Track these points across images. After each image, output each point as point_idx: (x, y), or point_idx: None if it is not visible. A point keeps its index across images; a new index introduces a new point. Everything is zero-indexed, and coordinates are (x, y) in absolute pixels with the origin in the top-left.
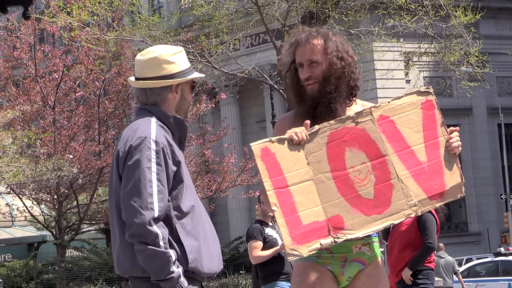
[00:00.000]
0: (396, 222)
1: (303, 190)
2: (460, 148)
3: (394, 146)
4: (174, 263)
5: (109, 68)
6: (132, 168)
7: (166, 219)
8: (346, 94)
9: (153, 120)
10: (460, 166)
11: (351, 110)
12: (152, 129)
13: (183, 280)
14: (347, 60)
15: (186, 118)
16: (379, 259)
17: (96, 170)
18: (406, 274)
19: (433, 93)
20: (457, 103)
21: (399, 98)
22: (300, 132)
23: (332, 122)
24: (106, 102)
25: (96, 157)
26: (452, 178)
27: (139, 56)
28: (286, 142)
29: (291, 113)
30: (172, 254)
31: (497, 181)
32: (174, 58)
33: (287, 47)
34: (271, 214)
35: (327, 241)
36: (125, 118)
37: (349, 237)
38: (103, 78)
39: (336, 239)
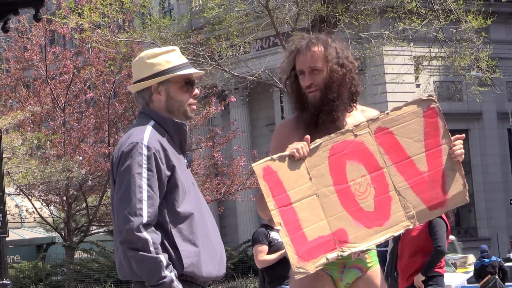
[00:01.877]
0: (395, 234)
1: (306, 205)
2: (463, 156)
3: (393, 157)
4: (166, 267)
5: (119, 70)
6: (123, 174)
7: (160, 224)
8: (348, 100)
9: (150, 124)
10: (463, 173)
11: (351, 116)
12: (145, 134)
13: (176, 284)
14: (347, 67)
15: (188, 116)
16: (377, 266)
17: (106, 172)
18: (418, 279)
19: (436, 100)
20: (467, 108)
21: (399, 108)
22: (301, 148)
23: (332, 135)
24: (116, 104)
25: (105, 159)
26: (455, 185)
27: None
28: (287, 158)
29: (291, 119)
30: (163, 258)
31: (507, 186)
32: (154, 59)
33: (287, 54)
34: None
35: (333, 255)
36: (134, 120)
37: (353, 250)
38: (113, 80)
39: (341, 253)
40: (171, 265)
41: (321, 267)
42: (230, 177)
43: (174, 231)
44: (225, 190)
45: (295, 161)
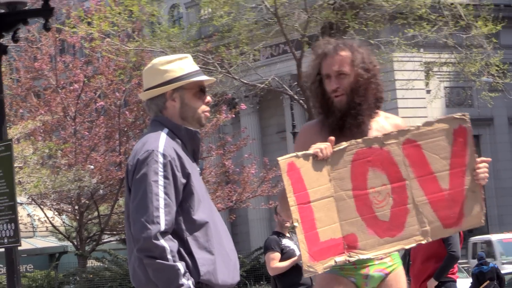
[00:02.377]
0: (406, 247)
1: (323, 206)
2: (486, 180)
3: (416, 171)
4: (184, 275)
5: (130, 79)
6: (139, 182)
7: (176, 232)
8: (373, 105)
9: (164, 132)
10: (483, 196)
11: (374, 122)
12: (160, 142)
13: None
14: (372, 71)
15: (201, 124)
16: (400, 267)
17: (117, 181)
18: (431, 284)
19: (468, 120)
20: (478, 113)
21: (430, 123)
22: (325, 148)
23: (359, 140)
24: (127, 112)
25: (116, 168)
26: (473, 207)
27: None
28: (310, 157)
29: (315, 122)
30: (181, 266)
31: None
32: (168, 66)
33: (313, 58)
34: (287, 224)
35: (341, 258)
36: (145, 129)
37: (361, 257)
38: (124, 88)
39: (349, 258)
40: (188, 273)
41: (329, 269)
42: (241, 185)
43: (190, 239)
44: (237, 198)
45: (318, 161)
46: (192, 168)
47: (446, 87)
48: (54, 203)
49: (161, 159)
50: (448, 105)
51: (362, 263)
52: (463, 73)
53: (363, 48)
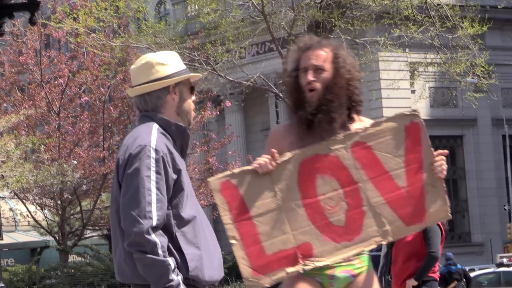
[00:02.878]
0: (366, 249)
1: (269, 220)
2: (444, 172)
3: (369, 172)
4: (173, 271)
5: (115, 75)
6: (131, 177)
7: (165, 228)
8: (346, 107)
9: (155, 127)
10: (445, 189)
11: (352, 125)
12: (152, 137)
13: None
14: (353, 74)
15: (190, 122)
16: (370, 270)
17: (100, 176)
18: (411, 284)
19: (419, 115)
20: (462, 113)
21: (379, 123)
22: (265, 163)
23: (305, 149)
24: (111, 108)
25: (100, 163)
26: (436, 202)
27: (133, 66)
28: (250, 173)
29: (281, 125)
30: (171, 262)
31: (501, 192)
32: (167, 60)
33: (295, 49)
34: None
35: (293, 269)
36: (129, 125)
37: (317, 264)
38: (108, 84)
39: (304, 267)
40: (177, 269)
41: (279, 280)
42: None
43: (178, 235)
44: None
45: (260, 175)
46: (182, 164)
47: (431, 87)
48: (37, 198)
49: (153, 154)
50: (433, 105)
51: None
52: (448, 74)
53: (347, 51)
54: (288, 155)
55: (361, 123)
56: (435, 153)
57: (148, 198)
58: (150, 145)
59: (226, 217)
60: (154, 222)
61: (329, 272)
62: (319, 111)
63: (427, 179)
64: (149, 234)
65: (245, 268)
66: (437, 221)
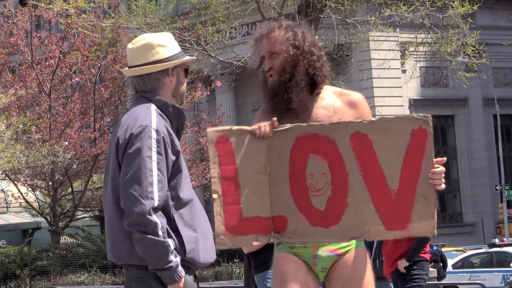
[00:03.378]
0: (338, 241)
1: (254, 184)
2: (442, 186)
3: (362, 166)
4: (172, 252)
5: (105, 55)
6: (132, 157)
7: (163, 209)
8: (305, 83)
9: (153, 108)
10: (436, 203)
11: (327, 99)
12: (152, 117)
13: (180, 269)
14: (302, 48)
15: (183, 103)
16: (358, 249)
17: (91, 157)
18: (402, 264)
19: (430, 122)
20: (453, 93)
21: (388, 120)
22: (264, 126)
23: (305, 125)
24: (102, 89)
25: (91, 144)
26: (424, 215)
27: (130, 45)
28: (248, 134)
29: (262, 108)
30: (171, 243)
31: (492, 172)
32: (166, 42)
33: (253, 42)
34: None
35: (264, 238)
36: (120, 105)
37: (286, 240)
38: (99, 65)
39: (273, 239)
40: (175, 251)
41: (247, 244)
42: None
43: (176, 216)
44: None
45: (255, 138)
46: (179, 145)
47: (422, 67)
48: (28, 179)
49: (154, 135)
50: (424, 85)
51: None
52: (439, 53)
53: (302, 27)
54: (287, 125)
55: (334, 94)
56: (438, 159)
57: (150, 178)
58: (151, 125)
59: (214, 171)
60: (156, 203)
61: (312, 251)
62: (276, 94)
63: (420, 189)
64: (151, 214)
65: (219, 225)
66: (420, 234)
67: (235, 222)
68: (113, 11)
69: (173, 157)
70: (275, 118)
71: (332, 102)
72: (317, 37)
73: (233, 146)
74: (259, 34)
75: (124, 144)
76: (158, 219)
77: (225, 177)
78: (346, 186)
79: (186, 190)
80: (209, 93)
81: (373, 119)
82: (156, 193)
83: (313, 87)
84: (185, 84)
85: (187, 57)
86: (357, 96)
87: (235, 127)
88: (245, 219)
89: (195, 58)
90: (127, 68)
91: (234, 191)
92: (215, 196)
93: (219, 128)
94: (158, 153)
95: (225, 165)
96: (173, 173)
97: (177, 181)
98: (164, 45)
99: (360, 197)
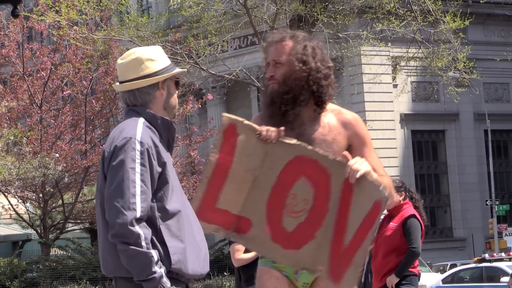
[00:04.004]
0: (289, 265)
1: (239, 180)
2: (357, 175)
3: (340, 210)
4: (156, 263)
5: (97, 67)
6: (116, 169)
7: (149, 220)
8: (304, 98)
9: (141, 120)
10: (359, 277)
11: (325, 117)
12: (138, 129)
13: (165, 280)
14: (309, 64)
15: (175, 115)
16: None
17: (82, 169)
18: (392, 280)
19: (385, 195)
20: (444, 108)
21: (368, 180)
22: (270, 131)
23: (310, 148)
24: (93, 101)
25: (82, 156)
26: (351, 279)
27: (120, 60)
28: (254, 132)
29: (262, 112)
30: (154, 254)
31: (483, 187)
32: (156, 56)
33: (264, 45)
34: None
35: (223, 232)
36: (111, 118)
37: (241, 243)
38: (91, 77)
39: (230, 236)
40: (160, 262)
41: (208, 232)
42: None
43: (162, 227)
44: None
45: (259, 139)
46: (167, 157)
47: (413, 81)
48: (19, 191)
49: (138, 146)
50: (415, 100)
51: None
52: (430, 68)
53: (315, 42)
54: (293, 141)
55: (332, 112)
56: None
57: (132, 189)
58: (135, 137)
59: (214, 155)
60: (138, 214)
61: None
62: (273, 103)
63: (357, 255)
64: (133, 225)
65: (195, 205)
66: None
67: (207, 209)
68: (105, 23)
69: (159, 169)
70: (283, 128)
71: (328, 120)
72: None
73: (238, 139)
74: (270, 40)
75: (108, 156)
76: (141, 230)
77: (220, 165)
78: (321, 221)
79: (174, 201)
80: (200, 106)
81: (364, 176)
82: (138, 204)
83: (317, 105)
84: (176, 96)
85: (177, 70)
86: (351, 116)
87: (246, 121)
88: (216, 209)
89: (185, 70)
90: (118, 83)
91: (220, 181)
92: (204, 179)
93: (233, 116)
94: (142, 164)
95: (224, 153)
96: (160, 185)
97: (163, 193)
98: (154, 59)
99: (326, 236)
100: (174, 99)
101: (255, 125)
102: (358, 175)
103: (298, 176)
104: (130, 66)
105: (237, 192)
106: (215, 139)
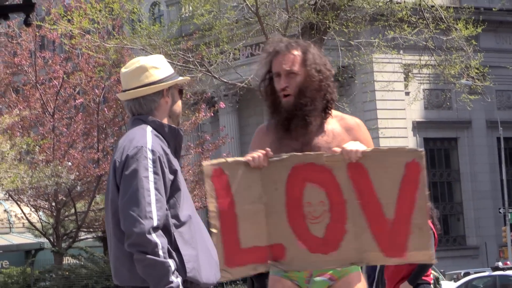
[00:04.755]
0: (339, 268)
1: (251, 215)
2: (356, 154)
3: (360, 195)
4: (173, 273)
5: (109, 76)
6: (129, 178)
7: (164, 228)
8: (322, 107)
9: (148, 129)
10: (430, 233)
11: (328, 124)
12: (148, 138)
13: None
14: (324, 73)
15: (179, 123)
16: (353, 273)
17: (95, 178)
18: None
19: (423, 156)
20: (456, 116)
21: (382, 150)
22: (258, 157)
23: (300, 155)
24: (105, 109)
25: (94, 165)
26: (419, 244)
27: (124, 69)
28: (242, 165)
29: (265, 125)
30: (171, 263)
31: (496, 194)
32: (159, 63)
33: (264, 55)
34: None
35: (262, 267)
36: (124, 126)
37: (285, 268)
38: (103, 85)
39: (272, 266)
40: (176, 271)
41: (247, 274)
42: None
43: (176, 235)
44: None
45: (251, 169)
46: (177, 165)
47: (426, 89)
48: (31, 199)
49: (150, 155)
50: (427, 107)
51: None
52: (443, 76)
53: (316, 49)
54: (283, 155)
55: (335, 119)
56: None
57: (147, 198)
58: (147, 146)
59: (212, 205)
60: (155, 222)
61: (305, 275)
62: (294, 116)
63: (415, 220)
64: (150, 234)
65: (220, 257)
66: (419, 261)
67: (234, 254)
68: (117, 32)
69: (170, 176)
70: (268, 149)
71: (332, 127)
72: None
73: (229, 179)
74: (274, 49)
75: (120, 166)
76: (158, 239)
77: (223, 210)
78: (344, 213)
79: (185, 209)
80: (212, 114)
81: (368, 149)
82: (154, 212)
83: (324, 111)
84: (180, 104)
85: (181, 78)
86: (353, 121)
87: (230, 159)
88: (243, 250)
89: (189, 78)
90: (122, 92)
91: (232, 223)
92: (214, 230)
93: (214, 161)
94: (155, 173)
95: (222, 198)
96: (172, 192)
97: (176, 200)
98: (158, 66)
99: (358, 224)
100: (178, 107)
101: (240, 158)
102: (359, 154)
103: (303, 184)
104: (135, 74)
105: (255, 226)
106: (205, 190)
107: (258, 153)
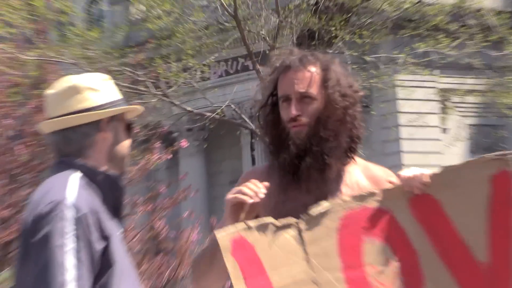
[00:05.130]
0: None
1: None
2: (421, 187)
3: (434, 239)
4: None
5: (27, 101)
6: (38, 247)
7: None
8: (345, 146)
9: (75, 176)
10: None
11: (349, 173)
12: (69, 189)
13: None
14: (351, 99)
15: (123, 170)
16: None
17: (2, 246)
18: None
19: (508, 157)
20: None
21: (454, 168)
22: (249, 186)
23: (348, 198)
24: (20, 148)
25: (3, 224)
26: None
27: (50, 90)
28: (271, 227)
29: (259, 168)
30: None
31: None
32: (99, 85)
33: (269, 71)
34: None
35: None
36: (45, 172)
37: None
38: (18, 114)
39: None
40: None
41: None
42: (177, 257)
43: None
44: (170, 275)
45: (284, 231)
46: (113, 228)
47: (471, 124)
48: None
49: (70, 213)
50: (474, 151)
51: None
52: (494, 106)
53: (339, 65)
54: (325, 204)
55: (358, 167)
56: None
57: (60, 278)
58: (66, 201)
59: (239, 287)
60: None
61: None
62: (308, 153)
63: None
64: None
65: None
66: None
67: None
68: (41, 39)
69: (101, 244)
70: (267, 183)
71: (356, 178)
72: None
73: (256, 249)
74: (283, 63)
75: (28, 229)
76: None
77: None
78: (419, 271)
79: None
80: (170, 156)
81: (436, 171)
82: None
83: (346, 153)
84: (126, 144)
85: (128, 106)
86: (382, 172)
87: (252, 223)
88: None
89: (140, 107)
90: (45, 122)
91: None
92: None
93: (232, 228)
94: (77, 239)
95: (252, 277)
96: (102, 267)
97: (107, 279)
98: (96, 88)
99: (441, 281)
100: (124, 148)
101: (265, 219)
102: (427, 179)
103: (360, 241)
104: (63, 96)
105: None
106: (227, 269)
107: (252, 182)
